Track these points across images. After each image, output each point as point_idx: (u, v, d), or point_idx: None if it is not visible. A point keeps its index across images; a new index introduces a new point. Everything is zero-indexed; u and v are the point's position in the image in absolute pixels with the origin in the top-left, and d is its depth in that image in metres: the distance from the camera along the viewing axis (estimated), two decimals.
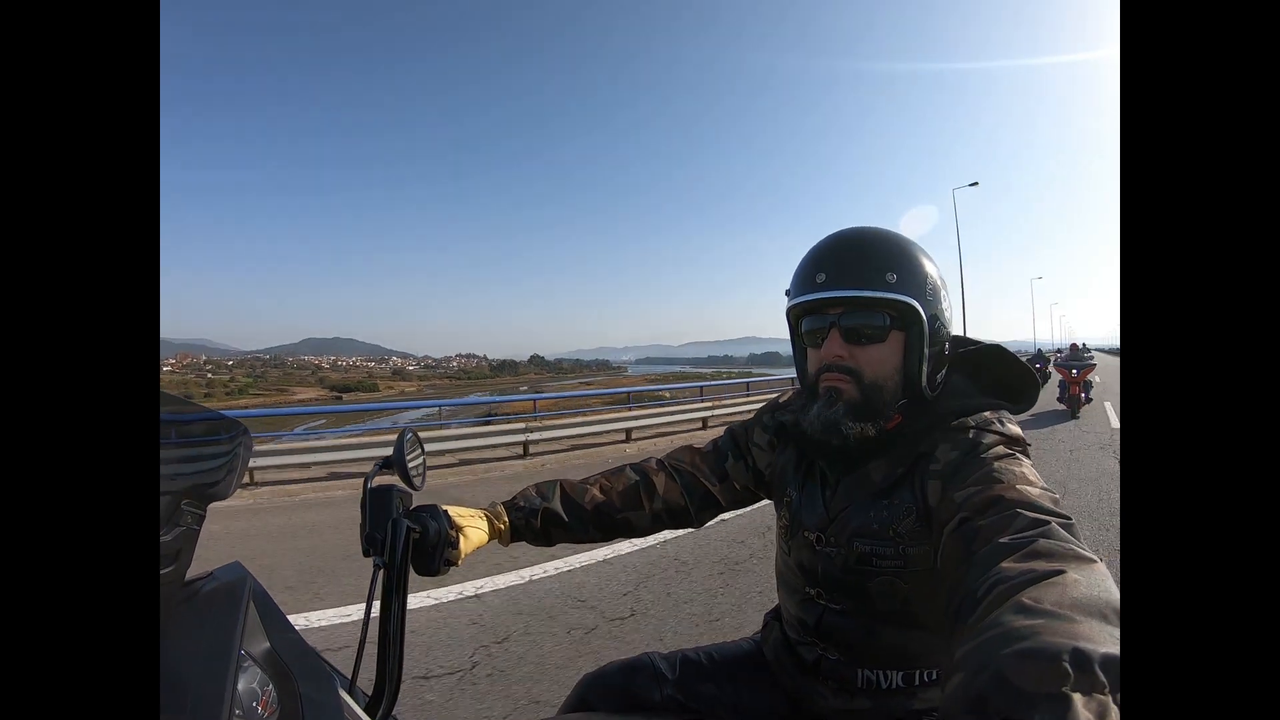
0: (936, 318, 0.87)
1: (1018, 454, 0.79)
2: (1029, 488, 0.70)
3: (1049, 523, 0.60)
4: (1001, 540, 0.58)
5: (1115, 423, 9.59)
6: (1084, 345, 12.64)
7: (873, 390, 0.85)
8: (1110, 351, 62.56)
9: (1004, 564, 0.53)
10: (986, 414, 0.86)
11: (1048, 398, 11.71)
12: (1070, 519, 0.62)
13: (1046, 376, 15.22)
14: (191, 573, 0.60)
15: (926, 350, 0.86)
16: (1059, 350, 27.33)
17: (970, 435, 0.82)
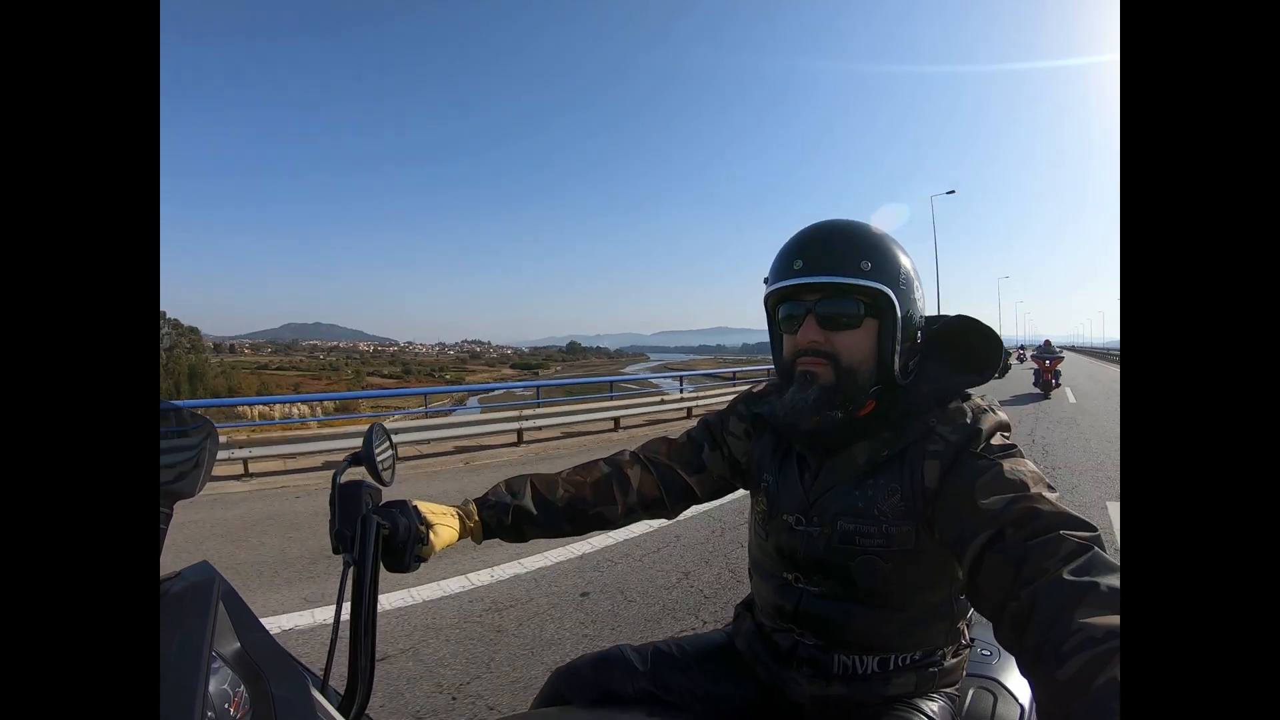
0: (910, 306, 0.86)
1: (1016, 446, 0.80)
2: (1048, 492, 0.70)
3: (1091, 548, 0.60)
4: (1065, 577, 0.58)
5: (1071, 399, 12.65)
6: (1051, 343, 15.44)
7: (848, 375, 0.84)
8: (1072, 349, 70.83)
9: (1084, 620, 0.53)
10: (977, 399, 0.86)
11: (1026, 383, 14.92)
12: (1096, 530, 0.63)
13: (1008, 367, 19.18)
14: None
15: (899, 337, 0.85)
16: (1022, 346, 35.20)
17: (968, 419, 0.82)
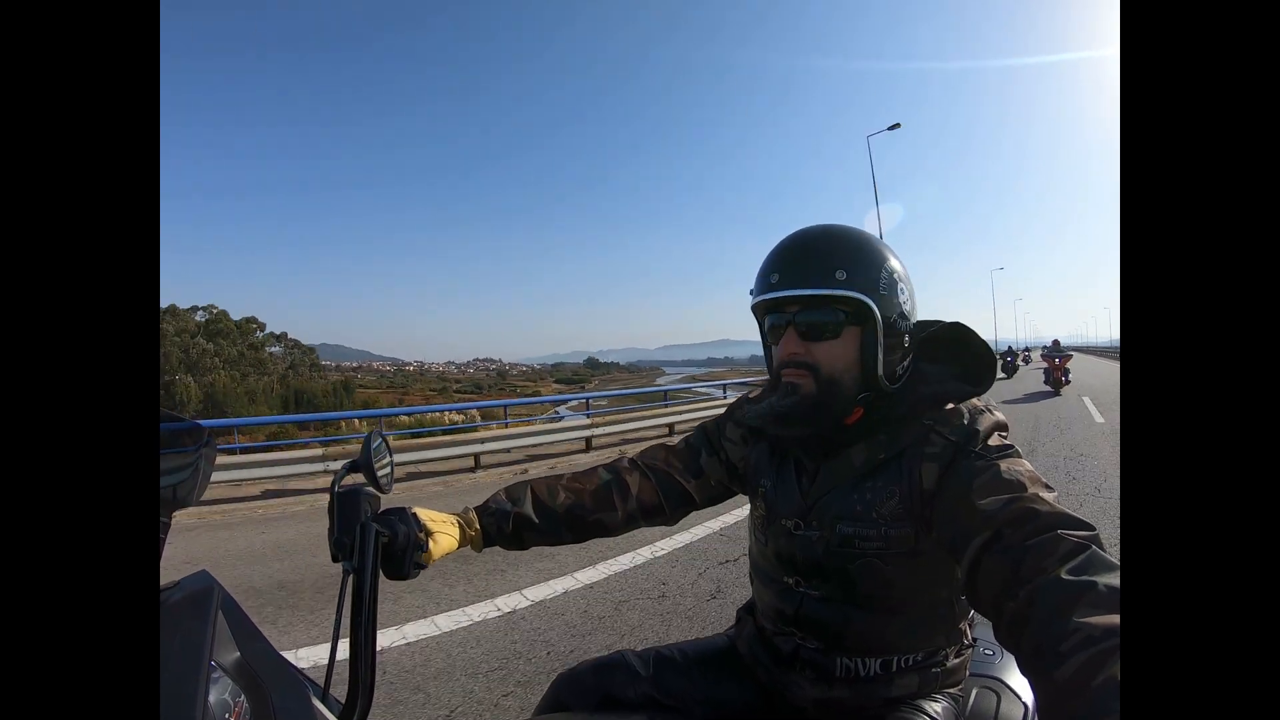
0: (892, 312, 0.84)
1: (1014, 446, 0.79)
2: (1046, 492, 0.70)
3: (1089, 547, 0.60)
4: (1063, 577, 0.57)
5: (1085, 399, 12.80)
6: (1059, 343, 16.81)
7: (830, 385, 0.83)
8: (1076, 348, 72.85)
9: (1082, 619, 0.52)
10: (974, 400, 0.85)
11: (1037, 380, 16.39)
12: (1094, 530, 0.63)
13: (1016, 368, 23.23)
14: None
15: (882, 344, 0.83)
16: (1027, 348, 38.24)
17: (965, 421, 0.82)
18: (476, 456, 8.09)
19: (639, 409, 12.59)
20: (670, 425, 10.52)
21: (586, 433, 9.42)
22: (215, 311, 61.64)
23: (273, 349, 67.19)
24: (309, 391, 61.80)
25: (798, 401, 0.83)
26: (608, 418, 10.88)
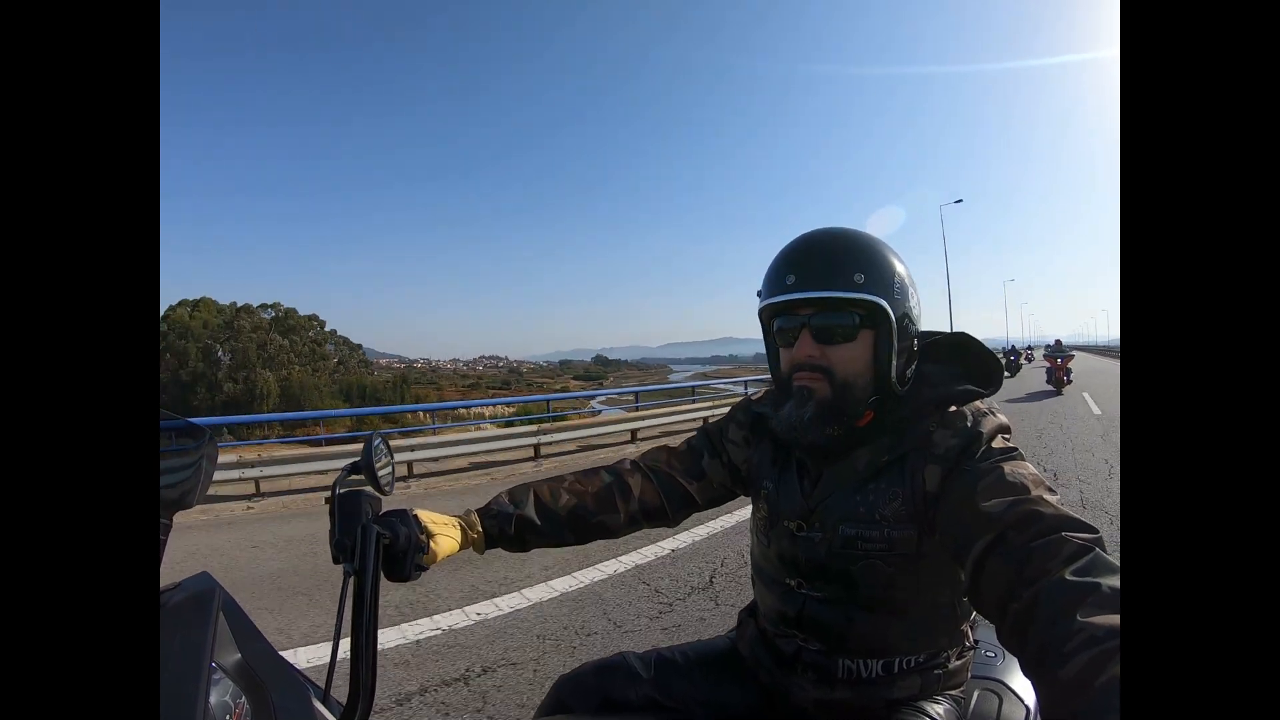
0: (905, 315, 0.84)
1: (1017, 449, 0.79)
2: (1049, 494, 0.70)
3: (1093, 549, 0.60)
4: (1068, 578, 0.57)
5: (1086, 397, 13.32)
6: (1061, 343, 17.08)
7: (844, 388, 0.83)
8: (1079, 348, 72.42)
9: (1086, 619, 0.52)
10: (977, 403, 0.85)
11: (1039, 379, 16.88)
12: (1098, 532, 0.62)
13: (1019, 366, 23.66)
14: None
15: (896, 347, 0.83)
16: (1030, 347, 39.21)
17: (969, 423, 0.81)
18: (410, 464, 7.42)
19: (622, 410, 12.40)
20: (633, 431, 9.97)
21: (534, 440, 8.53)
22: (283, 309, 62.56)
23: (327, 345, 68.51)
24: (371, 386, 62.67)
25: (816, 408, 0.83)
26: (638, 412, 10.93)
